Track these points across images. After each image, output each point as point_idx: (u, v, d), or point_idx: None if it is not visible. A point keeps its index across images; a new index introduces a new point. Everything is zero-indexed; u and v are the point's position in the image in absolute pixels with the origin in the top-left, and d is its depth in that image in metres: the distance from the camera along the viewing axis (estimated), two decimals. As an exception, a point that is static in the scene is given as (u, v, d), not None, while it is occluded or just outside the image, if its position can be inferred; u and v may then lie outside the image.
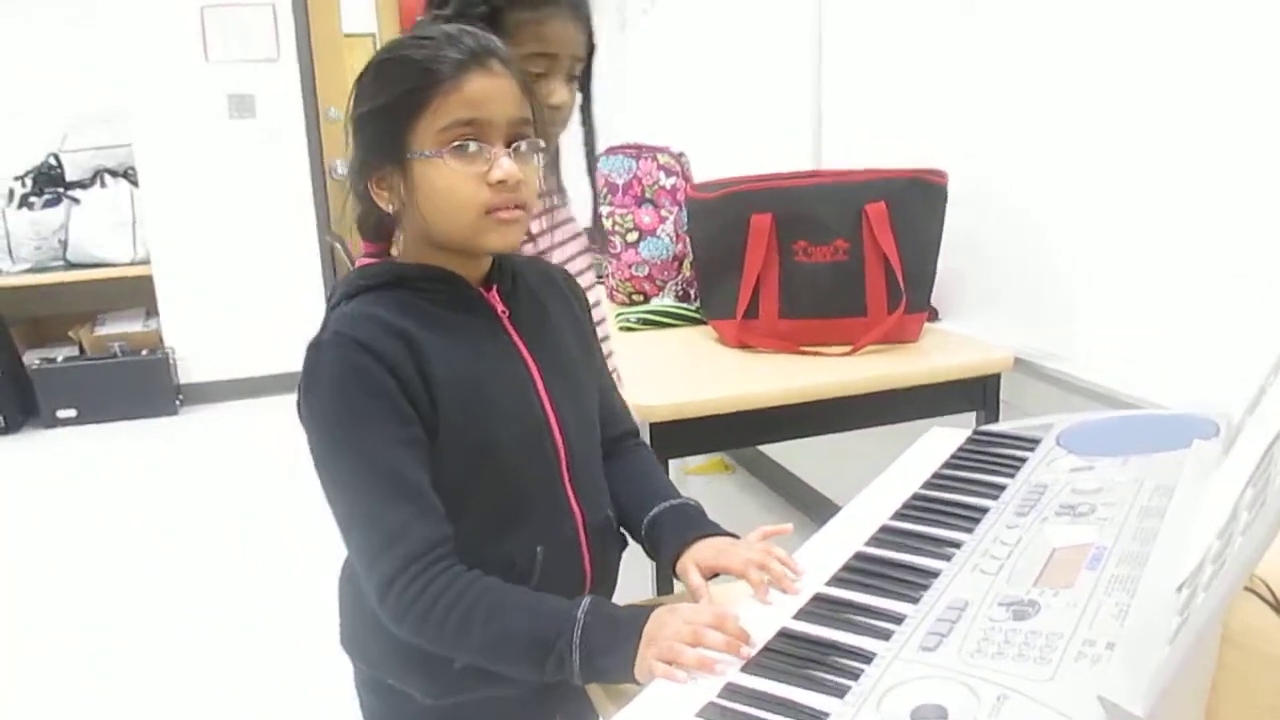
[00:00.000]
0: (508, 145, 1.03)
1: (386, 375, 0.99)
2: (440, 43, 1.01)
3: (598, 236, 1.59)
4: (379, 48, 1.07)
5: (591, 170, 1.53)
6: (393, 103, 1.01)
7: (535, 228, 1.42)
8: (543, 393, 1.11)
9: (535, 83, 1.33)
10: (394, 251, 1.14)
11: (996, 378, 2.15)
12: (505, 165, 1.01)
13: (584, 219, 1.60)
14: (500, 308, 1.11)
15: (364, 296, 1.06)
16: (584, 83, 1.45)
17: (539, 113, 1.08)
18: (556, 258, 1.43)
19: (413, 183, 1.02)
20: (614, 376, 1.57)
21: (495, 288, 1.12)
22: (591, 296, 1.49)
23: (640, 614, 0.95)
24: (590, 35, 1.42)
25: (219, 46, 4.66)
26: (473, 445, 1.05)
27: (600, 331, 1.50)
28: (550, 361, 1.13)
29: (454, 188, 1.01)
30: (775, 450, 3.54)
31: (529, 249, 1.40)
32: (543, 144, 1.07)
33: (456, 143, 1.00)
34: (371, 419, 0.99)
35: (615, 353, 1.59)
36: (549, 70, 1.36)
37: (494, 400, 1.07)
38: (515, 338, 1.11)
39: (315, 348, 1.02)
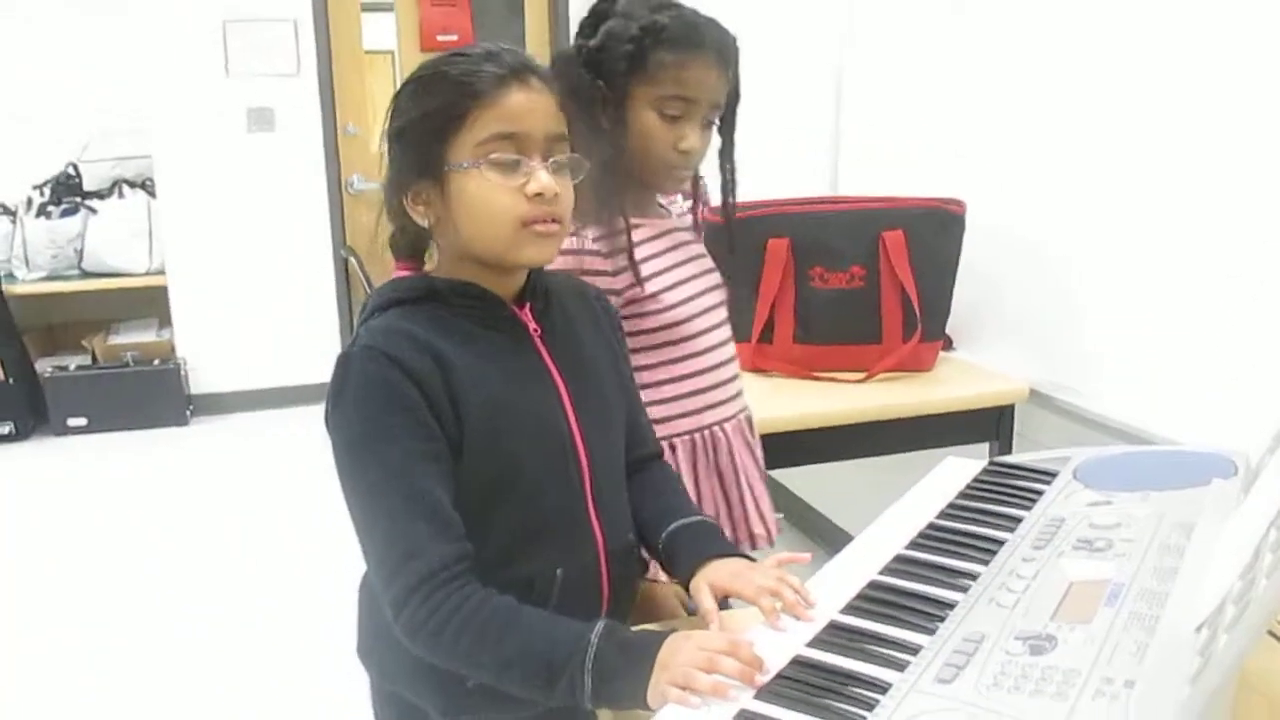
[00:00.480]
0: (544, 159, 1.03)
1: (413, 390, 1.00)
2: (479, 59, 1.02)
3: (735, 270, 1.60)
4: (416, 66, 1.08)
5: (729, 214, 1.54)
6: (430, 116, 1.02)
7: (649, 248, 1.43)
8: (570, 413, 1.11)
9: (670, 126, 1.37)
10: (428, 267, 1.15)
11: (1011, 409, 2.14)
12: (543, 178, 1.02)
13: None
14: (532, 326, 1.11)
15: (396, 310, 1.06)
16: (726, 128, 1.47)
17: (579, 131, 1.08)
18: (675, 295, 1.44)
19: (450, 196, 1.03)
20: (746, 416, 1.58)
21: (528, 305, 1.12)
22: (723, 334, 1.50)
23: (654, 639, 0.94)
24: (735, 83, 1.44)
25: (240, 60, 4.69)
26: (497, 464, 1.05)
27: (730, 372, 1.50)
28: (580, 382, 1.13)
29: (491, 199, 1.02)
30: (786, 475, 3.52)
31: (636, 291, 1.41)
32: (581, 160, 1.08)
33: (495, 155, 1.01)
34: (395, 433, 0.99)
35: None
36: (685, 114, 1.38)
37: (521, 420, 1.07)
38: (546, 357, 1.11)
39: (345, 359, 1.03)
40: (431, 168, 1.03)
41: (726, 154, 1.50)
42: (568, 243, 1.40)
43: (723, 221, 1.56)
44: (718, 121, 1.44)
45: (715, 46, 1.38)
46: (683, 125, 1.38)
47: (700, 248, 1.53)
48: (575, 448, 1.11)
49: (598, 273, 1.39)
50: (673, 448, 1.46)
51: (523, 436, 1.06)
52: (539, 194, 1.02)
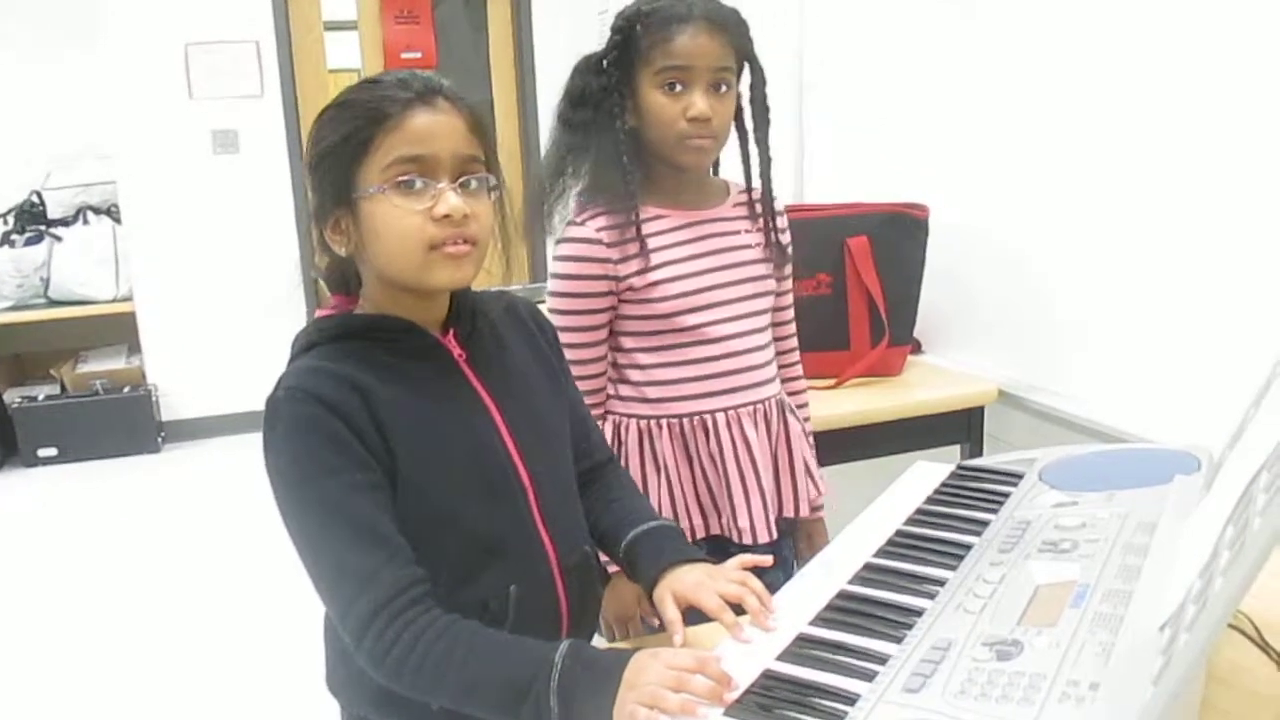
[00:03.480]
0: (455, 181, 1.02)
1: (340, 424, 0.99)
2: (388, 85, 1.02)
3: (777, 256, 1.60)
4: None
5: (766, 199, 1.57)
6: (339, 144, 1.01)
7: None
8: (506, 434, 1.11)
9: (675, 99, 1.41)
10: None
11: (980, 410, 2.15)
12: (450, 200, 1.01)
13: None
14: (457, 351, 1.11)
15: (318, 350, 1.06)
16: (757, 109, 1.50)
17: (493, 151, 1.08)
18: (675, 287, 1.48)
19: (361, 223, 1.02)
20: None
21: (453, 331, 1.12)
22: (736, 327, 1.51)
23: (620, 658, 0.94)
24: (750, 57, 1.47)
25: (203, 83, 4.66)
26: (434, 493, 1.04)
27: (736, 365, 1.51)
28: (513, 401, 1.13)
29: (397, 223, 1.01)
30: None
31: (636, 280, 1.45)
32: (494, 181, 1.07)
33: (400, 178, 1.00)
34: (331, 468, 0.99)
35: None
36: (686, 83, 1.41)
37: (453, 448, 1.06)
38: (475, 381, 1.11)
39: (272, 404, 1.03)
40: (343, 196, 1.02)
41: (759, 137, 1.53)
42: (571, 231, 1.47)
43: (759, 206, 1.57)
44: (737, 91, 1.47)
45: (703, 14, 1.41)
46: (687, 95, 1.41)
47: (741, 242, 1.54)
48: (515, 467, 1.10)
49: (601, 260, 1.45)
50: (659, 427, 1.51)
51: (457, 463, 1.06)
52: (446, 216, 1.00)
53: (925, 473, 1.36)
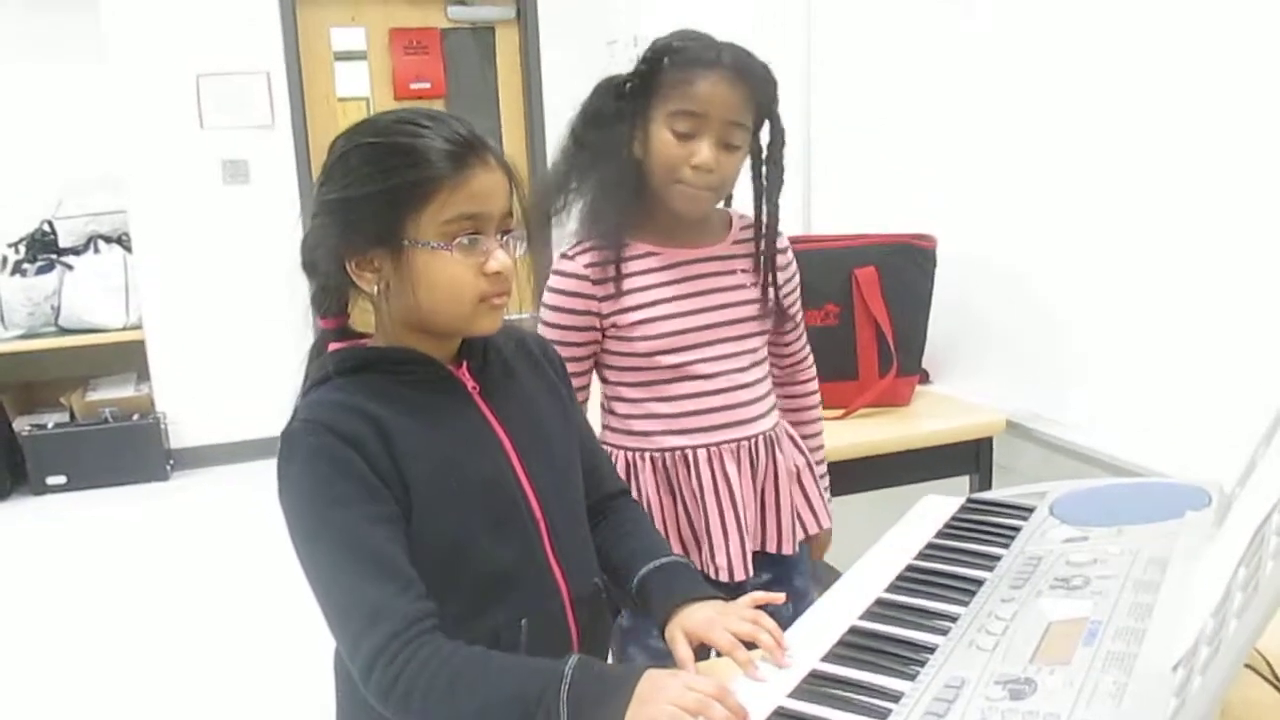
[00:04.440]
0: (498, 235, 1.05)
1: (355, 456, 1.00)
2: (430, 130, 1.02)
3: (773, 315, 1.58)
4: (358, 127, 1.07)
5: (769, 254, 1.54)
6: (390, 190, 1.01)
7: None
8: (517, 466, 1.12)
9: (682, 143, 1.39)
10: (355, 325, 1.14)
11: (989, 441, 2.15)
12: (501, 258, 1.04)
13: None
14: (470, 384, 1.12)
15: (333, 383, 1.07)
16: (772, 168, 1.49)
17: (524, 203, 1.10)
18: (655, 328, 1.47)
19: (408, 269, 1.03)
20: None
21: (465, 364, 1.13)
22: (718, 366, 1.49)
23: (630, 672, 0.94)
24: (772, 116, 1.46)
25: (214, 113, 4.70)
26: (448, 524, 1.05)
27: (718, 403, 1.50)
28: (525, 432, 1.14)
29: (455, 278, 1.03)
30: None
31: (619, 318, 1.45)
32: (525, 235, 1.10)
33: (461, 237, 1.02)
34: (345, 499, 1.00)
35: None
36: (696, 130, 1.39)
37: (467, 479, 1.07)
38: (487, 413, 1.12)
39: (286, 437, 1.04)
40: (388, 239, 1.03)
41: (769, 194, 1.52)
42: (562, 265, 1.47)
43: (762, 258, 1.55)
44: (749, 149, 1.47)
45: (731, 65, 1.39)
46: (695, 141, 1.40)
47: (735, 281, 1.53)
48: (526, 499, 1.11)
49: (586, 295, 1.46)
50: (642, 460, 1.51)
51: (470, 494, 1.07)
52: (497, 273, 1.04)
53: (935, 506, 1.36)
